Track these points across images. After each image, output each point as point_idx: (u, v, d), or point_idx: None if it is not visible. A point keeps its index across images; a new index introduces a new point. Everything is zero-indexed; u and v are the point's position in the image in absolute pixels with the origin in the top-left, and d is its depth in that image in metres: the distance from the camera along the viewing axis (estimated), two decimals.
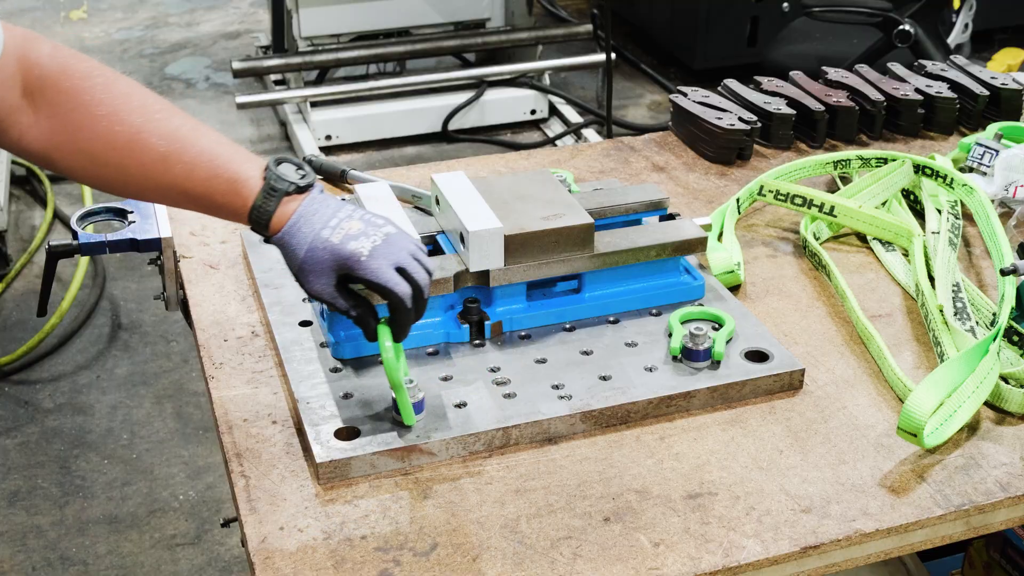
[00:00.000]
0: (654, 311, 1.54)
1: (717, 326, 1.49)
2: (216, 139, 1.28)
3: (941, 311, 1.51)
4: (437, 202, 1.55)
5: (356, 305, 1.29)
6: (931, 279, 1.59)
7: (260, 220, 1.26)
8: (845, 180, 1.94)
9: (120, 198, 1.52)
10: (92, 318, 3.53)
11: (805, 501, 1.26)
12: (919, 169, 1.84)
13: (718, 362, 1.43)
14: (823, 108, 2.05)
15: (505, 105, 4.62)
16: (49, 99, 1.24)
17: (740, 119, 2.01)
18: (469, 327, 1.47)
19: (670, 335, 1.47)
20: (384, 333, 1.28)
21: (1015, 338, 1.46)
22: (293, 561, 1.17)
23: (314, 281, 1.26)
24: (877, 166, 1.87)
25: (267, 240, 1.29)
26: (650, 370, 1.42)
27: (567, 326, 1.51)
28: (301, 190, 1.27)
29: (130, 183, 1.28)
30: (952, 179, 1.79)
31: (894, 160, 1.85)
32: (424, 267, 1.28)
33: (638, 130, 4.48)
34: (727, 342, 1.46)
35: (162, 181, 1.26)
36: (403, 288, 1.25)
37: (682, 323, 1.49)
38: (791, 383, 1.43)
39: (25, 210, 4.07)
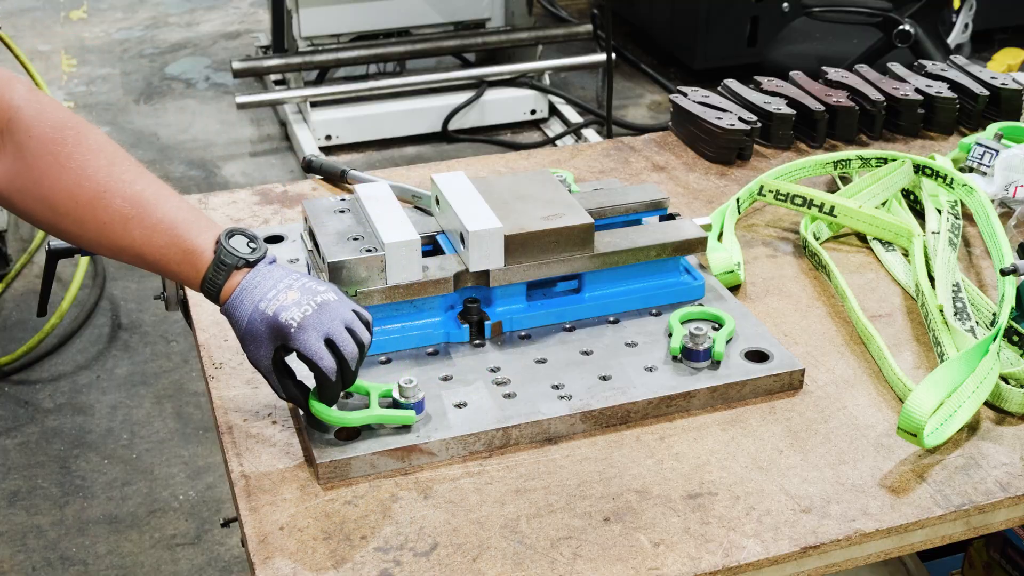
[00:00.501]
0: (654, 311, 1.54)
1: (717, 326, 1.49)
2: (177, 205, 1.30)
3: (941, 311, 1.51)
4: (437, 202, 1.55)
5: (285, 387, 1.30)
6: (931, 279, 1.59)
7: (211, 291, 1.29)
8: (845, 180, 1.94)
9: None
10: (92, 318, 3.53)
11: (805, 501, 1.26)
12: (919, 169, 1.84)
13: (718, 362, 1.43)
14: (823, 108, 2.05)
15: (505, 105, 4.62)
16: (18, 141, 1.25)
17: (740, 119, 2.01)
18: (469, 327, 1.47)
19: (670, 335, 1.47)
20: (316, 405, 1.30)
21: (1015, 338, 1.46)
22: (293, 561, 1.17)
23: (254, 351, 1.28)
24: (877, 166, 1.87)
25: (220, 311, 1.30)
26: (650, 370, 1.42)
27: (567, 326, 1.51)
28: (250, 264, 1.29)
29: (87, 237, 1.29)
30: (952, 179, 1.79)
31: (894, 160, 1.85)
32: (357, 338, 1.28)
33: (638, 130, 4.48)
34: (727, 342, 1.46)
35: (119, 243, 1.28)
36: (327, 362, 1.25)
37: (682, 323, 1.49)
38: (791, 383, 1.43)
39: None
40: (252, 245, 1.30)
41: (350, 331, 1.27)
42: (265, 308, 1.26)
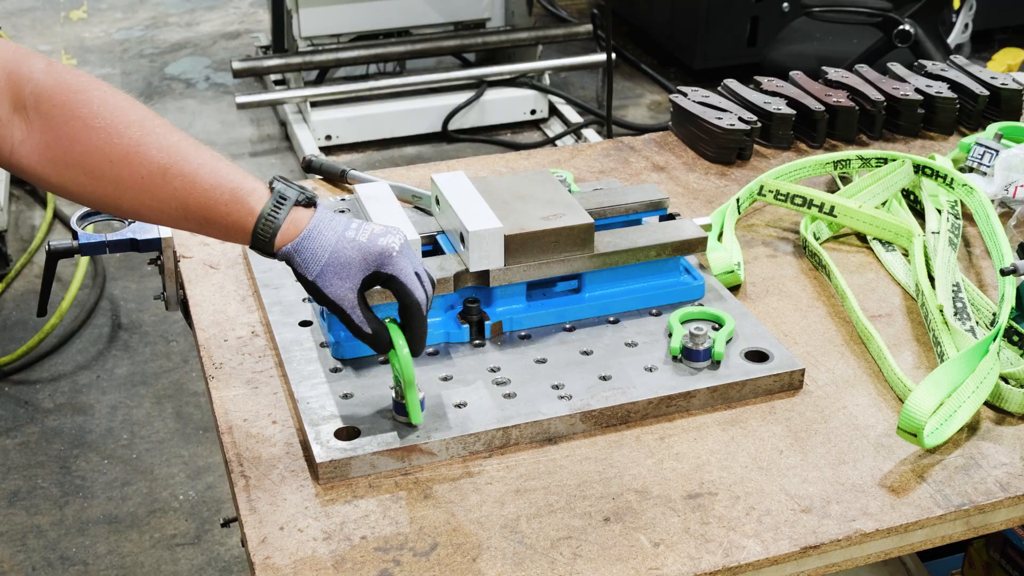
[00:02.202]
0: (654, 311, 1.54)
1: (717, 326, 1.49)
2: (215, 155, 1.26)
3: (941, 311, 1.51)
4: (437, 202, 1.55)
5: (372, 320, 1.27)
6: (931, 279, 1.59)
7: (267, 231, 1.23)
8: (845, 180, 1.94)
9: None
10: (92, 318, 3.53)
11: (805, 501, 1.26)
12: (919, 169, 1.84)
13: (718, 362, 1.43)
14: (823, 108, 2.05)
15: (505, 105, 4.62)
16: (44, 113, 1.22)
17: (740, 119, 2.01)
18: (469, 327, 1.47)
19: (670, 335, 1.47)
20: (397, 333, 1.27)
21: (1015, 338, 1.46)
22: (293, 561, 1.17)
23: (338, 284, 1.24)
24: (877, 166, 1.87)
25: (270, 255, 1.25)
26: (650, 370, 1.42)
27: (567, 326, 1.51)
28: (309, 202, 1.26)
29: (126, 197, 1.25)
30: (952, 179, 1.79)
31: (894, 160, 1.85)
32: (431, 279, 1.30)
33: (638, 130, 4.48)
34: (727, 342, 1.46)
35: (161, 195, 1.23)
36: (421, 294, 1.26)
37: (682, 323, 1.49)
38: (791, 383, 1.43)
39: (25, 210, 4.07)
40: (302, 189, 1.27)
41: (426, 271, 1.29)
42: (355, 236, 1.24)
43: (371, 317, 1.27)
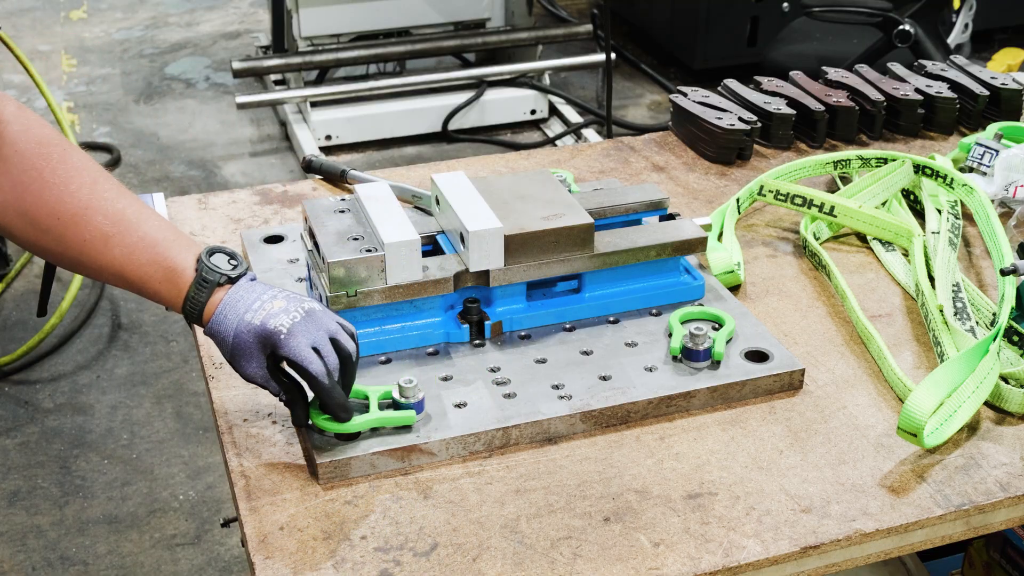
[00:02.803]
0: (654, 311, 1.54)
1: (717, 326, 1.49)
2: (158, 224, 1.29)
3: (941, 311, 1.51)
4: (437, 202, 1.55)
5: (287, 390, 1.29)
6: (931, 279, 1.59)
7: (193, 311, 1.27)
8: (845, 180, 1.94)
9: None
10: (92, 318, 3.53)
11: (805, 501, 1.26)
12: (919, 169, 1.84)
13: (718, 362, 1.43)
14: (823, 108, 2.05)
15: (505, 105, 4.62)
16: (3, 155, 1.24)
17: (740, 119, 2.01)
18: (469, 327, 1.47)
19: (670, 335, 1.47)
20: (316, 415, 1.29)
21: (1015, 338, 1.46)
22: (293, 561, 1.17)
23: (246, 365, 1.26)
24: (877, 166, 1.87)
25: (204, 331, 1.29)
26: (650, 370, 1.42)
27: (567, 326, 1.51)
28: (232, 280, 1.28)
29: (67, 256, 1.28)
30: (952, 179, 1.79)
31: (894, 160, 1.85)
32: (342, 348, 1.27)
33: (638, 130, 4.48)
34: (727, 342, 1.46)
35: (100, 260, 1.27)
36: (316, 366, 1.24)
37: (682, 323, 1.49)
38: (791, 383, 1.43)
39: None
40: (233, 262, 1.29)
41: (334, 341, 1.26)
42: (251, 319, 1.25)
43: (288, 389, 1.29)
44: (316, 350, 1.25)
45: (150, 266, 1.27)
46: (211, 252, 1.29)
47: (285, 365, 1.27)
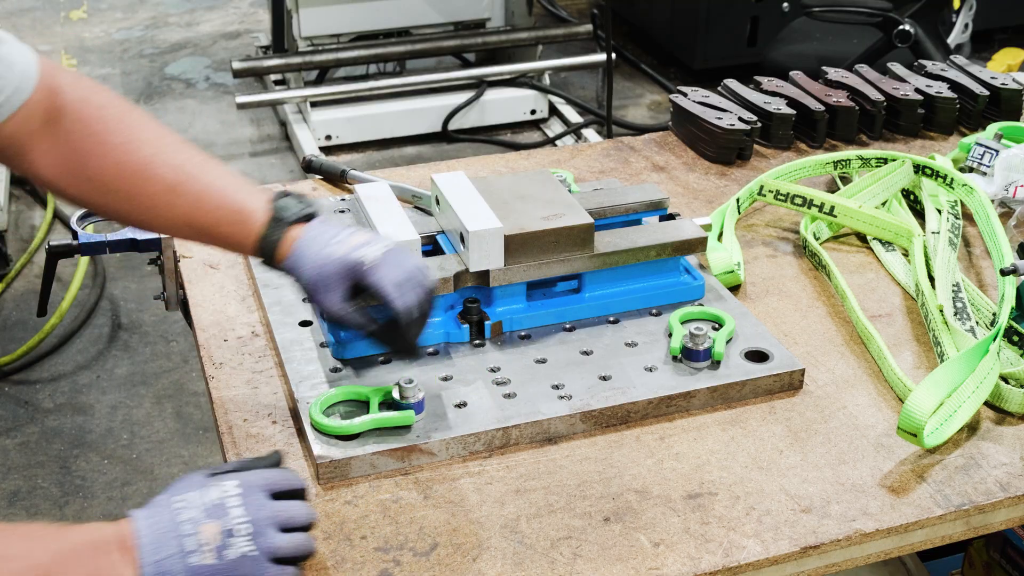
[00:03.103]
0: (654, 311, 1.54)
1: (717, 326, 1.49)
2: (222, 172, 1.30)
3: (941, 311, 1.51)
4: (437, 202, 1.55)
5: (370, 322, 1.30)
6: (931, 279, 1.59)
7: (266, 249, 1.29)
8: (845, 180, 1.94)
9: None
10: (92, 318, 3.53)
11: (805, 501, 1.26)
12: (919, 169, 1.84)
13: (718, 362, 1.43)
14: (823, 108, 2.05)
15: (505, 105, 4.62)
16: (66, 127, 1.26)
17: (740, 119, 2.01)
18: (469, 327, 1.47)
19: (670, 335, 1.47)
20: (315, 418, 1.29)
21: (1015, 338, 1.46)
22: None
23: (326, 298, 1.27)
24: (877, 166, 1.87)
25: (274, 268, 1.31)
26: (650, 370, 1.42)
27: (567, 326, 1.51)
28: (305, 219, 1.30)
29: (136, 212, 1.30)
30: (952, 179, 1.79)
31: (894, 160, 1.85)
32: (426, 286, 1.28)
33: (638, 130, 4.48)
34: (727, 342, 1.46)
35: (169, 212, 1.29)
36: (406, 300, 1.26)
37: (682, 323, 1.49)
38: (791, 383, 1.43)
39: (25, 210, 4.07)
40: (303, 203, 1.31)
41: (418, 275, 1.28)
42: (334, 251, 1.26)
43: (368, 320, 1.30)
44: (404, 283, 1.26)
45: (219, 211, 1.28)
46: (280, 195, 1.31)
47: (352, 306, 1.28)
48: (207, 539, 1.05)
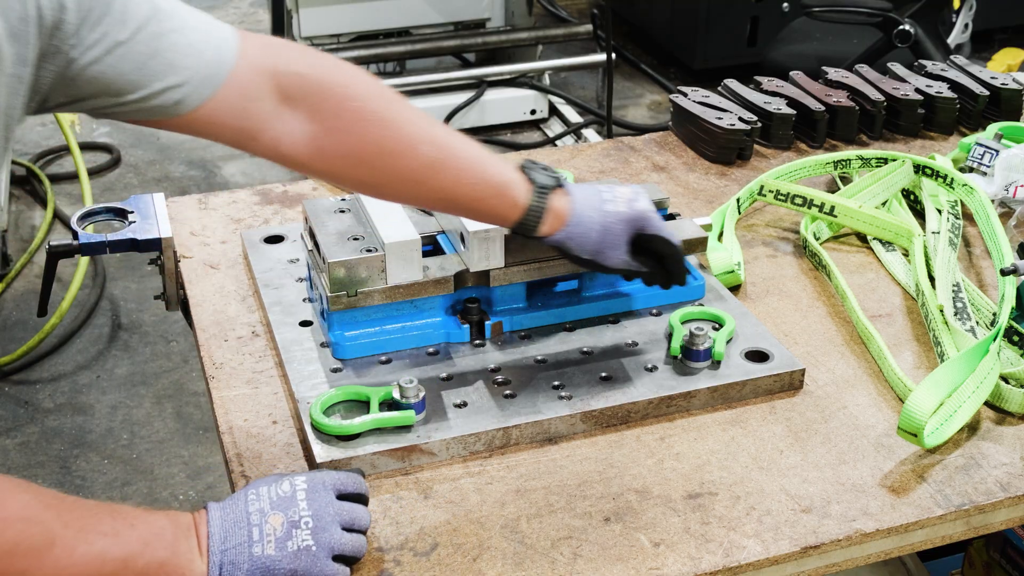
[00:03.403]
0: (654, 311, 1.54)
1: (717, 326, 1.49)
2: (472, 144, 1.33)
3: (941, 311, 1.51)
4: None
5: (645, 263, 1.42)
6: (931, 279, 1.59)
7: (532, 221, 1.34)
8: (845, 180, 1.94)
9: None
10: (92, 318, 3.53)
11: (805, 501, 1.26)
12: (919, 169, 1.84)
13: (718, 362, 1.43)
14: (823, 108, 2.05)
15: (505, 105, 4.61)
16: (312, 105, 1.25)
17: (740, 119, 2.01)
18: (469, 327, 1.47)
19: (670, 335, 1.47)
20: (316, 418, 1.30)
21: (1015, 338, 1.46)
22: None
23: (613, 254, 1.38)
24: (877, 166, 1.87)
25: (531, 237, 1.36)
26: (650, 370, 1.42)
27: (567, 326, 1.51)
28: (560, 185, 1.36)
29: (395, 187, 1.32)
30: (952, 179, 1.79)
31: (894, 160, 1.85)
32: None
33: (638, 130, 4.48)
34: (727, 342, 1.46)
35: (429, 186, 1.31)
36: (677, 239, 1.42)
37: (682, 323, 1.49)
38: (791, 383, 1.43)
39: (25, 210, 4.07)
40: (549, 170, 1.36)
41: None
42: (615, 208, 1.36)
43: (644, 262, 1.42)
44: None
45: (480, 185, 1.32)
46: (528, 166, 1.36)
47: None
48: (272, 530, 1.10)
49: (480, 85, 4.57)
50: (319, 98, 1.25)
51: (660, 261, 1.42)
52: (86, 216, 1.70)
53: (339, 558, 1.13)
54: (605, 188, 1.38)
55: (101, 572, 1.03)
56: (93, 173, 4.24)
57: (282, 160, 1.28)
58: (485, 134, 4.59)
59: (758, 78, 2.17)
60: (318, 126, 1.25)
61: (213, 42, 1.19)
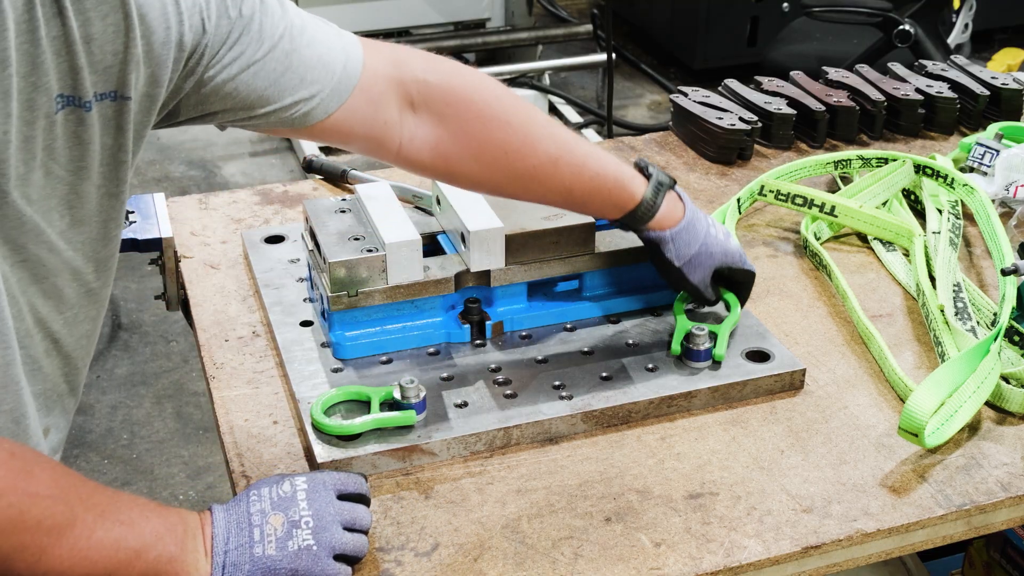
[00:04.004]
0: (655, 311, 1.54)
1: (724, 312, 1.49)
2: (589, 142, 1.40)
3: (942, 311, 1.51)
4: (438, 202, 1.55)
5: (716, 292, 1.48)
6: (932, 279, 1.59)
7: (647, 215, 1.39)
8: (846, 180, 1.94)
9: None
10: None
11: (806, 501, 1.26)
12: (920, 169, 1.84)
13: (719, 362, 1.43)
14: (823, 108, 2.05)
15: None
16: (436, 111, 1.30)
17: (740, 119, 2.01)
18: (470, 327, 1.47)
19: (671, 335, 1.47)
20: (317, 418, 1.31)
21: (1016, 338, 1.46)
22: None
23: (699, 273, 1.43)
24: (878, 166, 1.87)
25: (635, 230, 1.43)
26: (651, 370, 1.42)
27: (568, 326, 1.51)
28: (674, 186, 1.42)
29: (515, 184, 1.36)
30: (953, 179, 1.79)
31: (895, 160, 1.85)
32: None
33: (638, 130, 4.48)
34: (730, 334, 1.46)
35: (549, 182, 1.35)
36: (754, 274, 1.50)
37: (683, 311, 1.49)
38: (792, 383, 1.43)
39: None
40: (659, 171, 1.41)
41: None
42: (717, 234, 1.44)
43: (717, 291, 1.48)
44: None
45: (600, 178, 1.37)
46: (641, 163, 1.42)
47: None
48: (272, 530, 1.11)
49: None
50: (443, 103, 1.30)
51: (737, 289, 1.50)
52: None
53: (340, 558, 1.13)
54: (711, 219, 1.45)
55: (115, 559, 1.04)
56: None
57: (405, 164, 1.33)
58: None
59: (758, 78, 2.17)
60: (443, 130, 1.30)
61: (341, 56, 1.24)
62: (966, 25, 3.94)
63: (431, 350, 1.46)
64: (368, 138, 1.29)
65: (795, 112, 2.05)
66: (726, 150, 2.00)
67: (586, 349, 1.46)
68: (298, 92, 1.20)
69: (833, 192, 1.81)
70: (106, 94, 1.07)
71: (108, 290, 1.25)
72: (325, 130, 1.25)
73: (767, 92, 2.12)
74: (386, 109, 1.28)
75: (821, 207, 1.74)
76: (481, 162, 1.33)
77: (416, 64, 1.30)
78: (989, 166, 1.88)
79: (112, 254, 1.21)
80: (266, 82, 1.18)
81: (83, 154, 1.09)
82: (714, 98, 2.09)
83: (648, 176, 1.40)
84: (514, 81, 4.62)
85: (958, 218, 1.74)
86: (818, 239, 1.76)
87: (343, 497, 1.17)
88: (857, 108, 2.07)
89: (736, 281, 1.49)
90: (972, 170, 1.91)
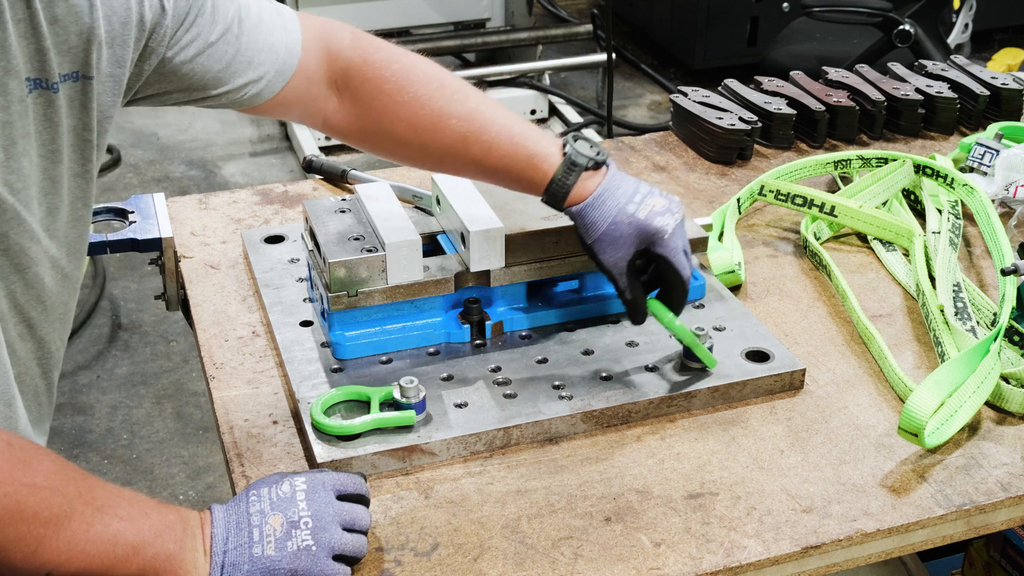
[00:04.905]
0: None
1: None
2: (508, 116, 1.37)
3: (942, 311, 1.51)
4: (438, 202, 1.55)
5: (636, 287, 1.37)
6: (932, 279, 1.59)
7: (558, 193, 1.34)
8: (845, 180, 1.94)
9: (120, 196, 1.54)
10: (92, 318, 3.53)
11: (806, 501, 1.26)
12: (919, 169, 1.84)
13: (709, 370, 1.43)
14: (823, 108, 2.05)
15: (505, 105, 4.60)
16: (353, 88, 1.35)
17: (740, 119, 2.01)
18: (470, 327, 1.47)
19: (671, 335, 1.47)
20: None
21: (1016, 338, 1.46)
22: None
23: (611, 253, 1.34)
24: (878, 166, 1.87)
25: (560, 209, 1.37)
26: (651, 370, 1.42)
27: (567, 326, 1.51)
28: (598, 165, 1.34)
29: (430, 160, 1.40)
30: (953, 179, 1.79)
31: (894, 160, 1.85)
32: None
33: (638, 130, 4.48)
34: (705, 341, 1.46)
35: (461, 159, 1.37)
36: (686, 272, 1.36)
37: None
38: (792, 383, 1.43)
39: None
40: (596, 148, 1.35)
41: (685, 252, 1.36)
42: (634, 211, 1.32)
43: (635, 285, 1.37)
44: (685, 254, 1.36)
45: (510, 156, 1.35)
46: (575, 138, 1.36)
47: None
48: (271, 531, 1.11)
49: (480, 85, 4.57)
50: (360, 80, 1.34)
51: (664, 287, 1.39)
52: None
53: (340, 558, 1.13)
54: (645, 190, 1.35)
55: (112, 554, 1.04)
56: None
57: (333, 134, 1.40)
58: None
59: (758, 78, 2.17)
60: (359, 107, 1.35)
61: (283, 36, 1.28)
62: (966, 25, 3.94)
63: (431, 350, 1.46)
64: (302, 112, 1.36)
65: (795, 112, 2.05)
66: (726, 150, 2.01)
67: (586, 349, 1.46)
68: (247, 74, 1.26)
69: (833, 192, 1.81)
70: (70, 75, 1.09)
71: (80, 272, 1.27)
72: (266, 108, 1.32)
73: (767, 92, 2.12)
74: (316, 85, 1.34)
75: (821, 207, 1.74)
76: (392, 138, 1.37)
77: (342, 41, 1.35)
78: (989, 166, 1.88)
79: (82, 236, 1.23)
80: (220, 64, 1.23)
81: (53, 137, 1.10)
82: (714, 98, 2.09)
83: (565, 155, 1.35)
84: (514, 81, 4.62)
85: (958, 218, 1.74)
86: (818, 239, 1.76)
87: (343, 497, 1.17)
88: (857, 108, 2.07)
89: (667, 280, 1.37)
90: (972, 170, 1.91)
